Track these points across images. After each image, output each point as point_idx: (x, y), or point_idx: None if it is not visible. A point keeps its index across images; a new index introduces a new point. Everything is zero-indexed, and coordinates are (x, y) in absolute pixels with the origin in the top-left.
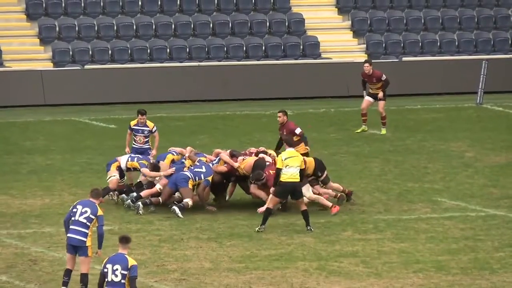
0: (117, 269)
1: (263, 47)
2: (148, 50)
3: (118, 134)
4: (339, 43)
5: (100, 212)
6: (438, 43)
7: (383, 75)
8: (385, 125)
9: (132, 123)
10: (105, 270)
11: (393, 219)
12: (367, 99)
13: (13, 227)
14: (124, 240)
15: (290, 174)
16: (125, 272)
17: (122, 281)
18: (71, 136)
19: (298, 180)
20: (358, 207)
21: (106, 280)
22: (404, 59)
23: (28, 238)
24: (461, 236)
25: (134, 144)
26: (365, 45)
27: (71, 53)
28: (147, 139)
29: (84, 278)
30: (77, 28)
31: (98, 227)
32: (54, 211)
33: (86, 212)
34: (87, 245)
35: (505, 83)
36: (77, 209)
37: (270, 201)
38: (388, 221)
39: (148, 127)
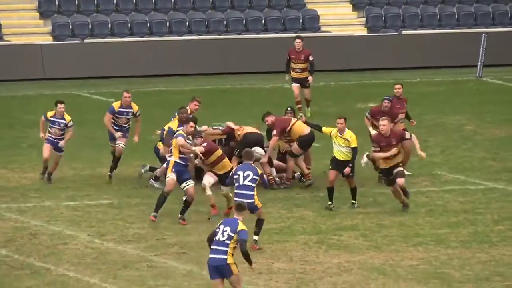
0: (226, 230)
1: (263, 21)
2: (148, 24)
3: None
4: (339, 17)
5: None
6: (438, 17)
7: (311, 56)
8: (309, 106)
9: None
10: (217, 230)
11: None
12: (295, 85)
13: (12, 201)
14: (240, 207)
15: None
16: (232, 234)
17: (227, 241)
18: (70, 110)
19: (350, 158)
20: (357, 181)
21: (215, 238)
22: (404, 32)
23: (28, 212)
24: (460, 209)
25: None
26: (364, 19)
27: (70, 27)
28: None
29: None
30: (76, 2)
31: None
32: (54, 186)
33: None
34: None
35: (504, 56)
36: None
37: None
38: (388, 194)
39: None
